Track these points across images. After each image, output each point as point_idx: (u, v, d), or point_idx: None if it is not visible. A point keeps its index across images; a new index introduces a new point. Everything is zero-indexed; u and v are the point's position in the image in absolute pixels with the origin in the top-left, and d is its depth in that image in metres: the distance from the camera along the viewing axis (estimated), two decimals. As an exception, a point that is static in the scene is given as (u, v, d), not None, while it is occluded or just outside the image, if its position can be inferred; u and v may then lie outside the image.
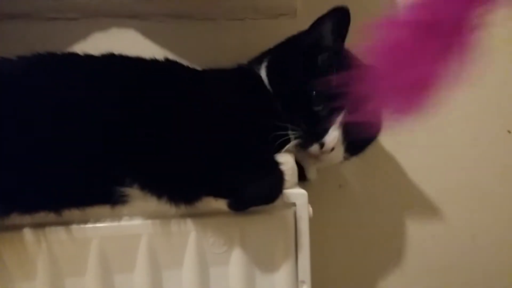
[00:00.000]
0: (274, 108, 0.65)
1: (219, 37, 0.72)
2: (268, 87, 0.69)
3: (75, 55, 0.66)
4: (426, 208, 0.93)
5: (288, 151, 0.66)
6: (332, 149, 0.64)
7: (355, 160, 0.88)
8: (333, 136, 0.64)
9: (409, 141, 0.91)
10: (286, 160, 0.63)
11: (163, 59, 0.69)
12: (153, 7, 0.79)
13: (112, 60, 0.66)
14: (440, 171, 0.92)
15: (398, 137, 0.90)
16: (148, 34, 0.80)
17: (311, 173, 0.72)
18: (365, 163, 0.90)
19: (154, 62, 0.67)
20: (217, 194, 0.58)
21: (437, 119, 0.91)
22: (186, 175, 0.57)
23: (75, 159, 0.57)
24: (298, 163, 0.66)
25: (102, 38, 0.78)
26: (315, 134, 0.64)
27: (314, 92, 0.64)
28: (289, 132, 0.64)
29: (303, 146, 0.65)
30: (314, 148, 0.65)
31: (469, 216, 0.94)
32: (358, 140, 0.68)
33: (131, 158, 0.57)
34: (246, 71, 0.72)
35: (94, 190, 0.57)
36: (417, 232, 0.93)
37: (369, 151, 0.89)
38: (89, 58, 0.66)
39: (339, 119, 0.64)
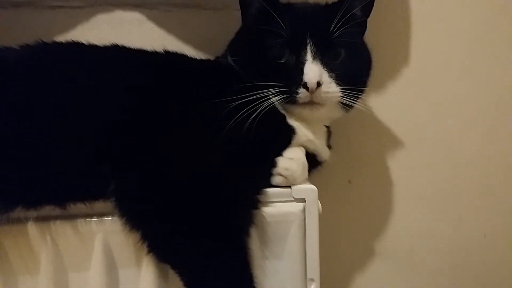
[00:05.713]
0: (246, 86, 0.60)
1: (227, 26, 0.71)
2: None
3: (79, 45, 0.64)
4: (437, 206, 0.91)
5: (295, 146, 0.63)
6: (319, 84, 0.60)
7: (365, 154, 0.88)
8: (309, 69, 0.60)
9: (420, 138, 0.89)
10: (296, 156, 0.62)
11: (163, 51, 0.67)
12: (160, -4, 0.78)
13: (115, 52, 0.64)
14: (452, 169, 0.90)
15: (409, 134, 0.88)
16: (154, 23, 0.78)
17: (324, 153, 0.68)
18: (375, 160, 0.89)
19: (156, 55, 0.66)
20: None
21: (450, 118, 0.89)
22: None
23: (79, 152, 0.55)
24: (309, 154, 0.65)
25: (107, 27, 0.77)
26: (293, 80, 0.60)
27: (273, 47, 0.62)
28: (269, 95, 0.60)
29: (291, 98, 0.61)
30: (302, 93, 0.60)
31: (481, 215, 0.92)
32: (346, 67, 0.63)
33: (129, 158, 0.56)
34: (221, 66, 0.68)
35: (99, 184, 0.55)
36: (428, 230, 0.91)
37: (379, 148, 0.88)
38: (92, 48, 0.64)
39: (309, 54, 0.61)
